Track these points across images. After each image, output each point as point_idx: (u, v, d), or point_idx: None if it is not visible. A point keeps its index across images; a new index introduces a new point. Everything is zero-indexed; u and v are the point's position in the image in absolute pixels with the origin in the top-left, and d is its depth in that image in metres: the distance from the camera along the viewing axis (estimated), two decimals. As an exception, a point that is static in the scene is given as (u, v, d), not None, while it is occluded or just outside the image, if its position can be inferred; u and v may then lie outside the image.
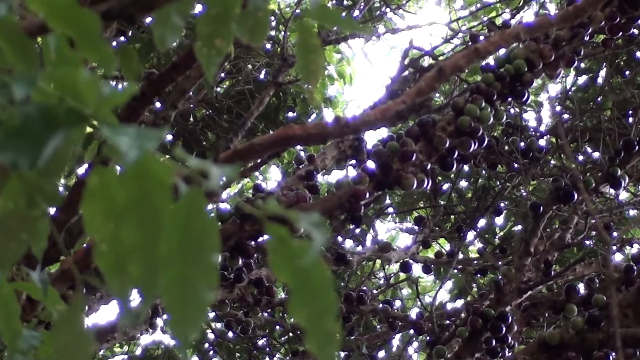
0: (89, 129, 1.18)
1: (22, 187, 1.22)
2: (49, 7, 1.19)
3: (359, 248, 6.09)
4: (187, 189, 1.07)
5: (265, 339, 6.50)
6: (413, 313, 5.69)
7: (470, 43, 5.39)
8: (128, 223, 1.09)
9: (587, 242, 5.89)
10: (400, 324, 5.52)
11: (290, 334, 6.28)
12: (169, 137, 6.64)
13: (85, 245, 3.29)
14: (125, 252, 1.10)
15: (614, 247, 5.60)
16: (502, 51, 4.42)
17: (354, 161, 4.76)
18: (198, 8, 1.51)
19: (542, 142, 5.87)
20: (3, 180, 1.17)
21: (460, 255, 6.15)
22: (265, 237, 3.55)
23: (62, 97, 1.12)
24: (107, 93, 1.13)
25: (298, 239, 1.09)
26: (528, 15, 6.70)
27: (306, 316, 1.10)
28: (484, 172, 6.42)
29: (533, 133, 6.02)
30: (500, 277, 5.03)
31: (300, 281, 1.09)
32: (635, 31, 4.74)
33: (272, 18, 6.57)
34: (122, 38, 5.10)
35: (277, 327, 6.32)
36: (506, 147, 5.54)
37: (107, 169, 1.12)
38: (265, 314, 5.68)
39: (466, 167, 6.54)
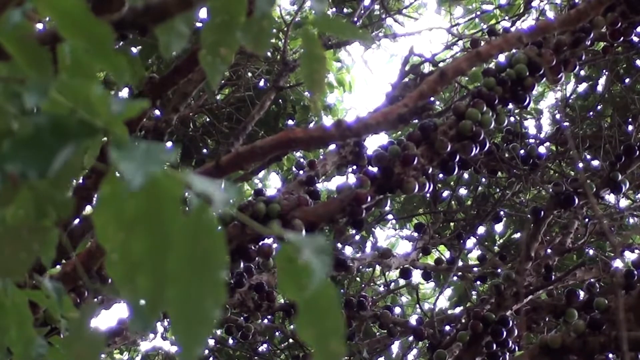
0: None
1: (33, 197, 1.22)
2: (61, 16, 1.18)
3: (359, 254, 6.09)
4: (196, 204, 1.07)
5: (265, 344, 6.50)
6: (413, 320, 5.69)
7: (470, 49, 5.39)
8: (137, 235, 1.09)
9: (588, 248, 5.89)
10: (400, 329, 5.52)
11: (291, 340, 6.28)
12: (169, 143, 6.64)
13: (86, 249, 3.29)
14: (134, 263, 1.10)
15: (614, 253, 5.61)
16: (502, 57, 4.43)
17: (354, 167, 4.77)
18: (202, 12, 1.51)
19: (542, 149, 5.88)
20: (15, 190, 1.17)
21: (460, 263, 6.15)
22: (267, 240, 3.54)
23: (73, 108, 1.12)
24: (119, 106, 1.12)
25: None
26: (528, 23, 6.71)
27: (313, 335, 1.10)
28: (483, 179, 6.43)
29: (533, 140, 6.03)
30: (500, 282, 5.03)
31: (308, 300, 1.09)
32: (636, 38, 4.75)
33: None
34: (122, 42, 5.11)
35: (277, 333, 6.32)
36: (506, 154, 5.55)
37: (119, 180, 1.12)
38: (266, 320, 5.67)
39: (466, 175, 6.55)
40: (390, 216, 6.97)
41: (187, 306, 1.06)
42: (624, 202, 6.16)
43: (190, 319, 1.06)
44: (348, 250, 6.39)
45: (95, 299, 3.96)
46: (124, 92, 5.34)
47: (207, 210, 1.07)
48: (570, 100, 6.49)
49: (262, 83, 6.92)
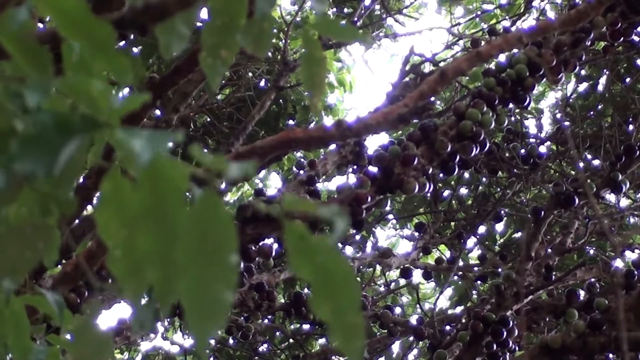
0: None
1: (37, 195, 1.22)
2: (62, 16, 1.18)
3: (359, 254, 6.09)
4: (201, 192, 1.07)
5: (265, 344, 6.50)
6: (413, 319, 5.69)
7: (471, 48, 5.39)
8: (143, 230, 1.09)
9: (588, 247, 5.89)
10: (400, 329, 5.52)
11: (291, 340, 6.28)
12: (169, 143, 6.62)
13: (86, 248, 3.29)
14: (140, 258, 1.10)
15: (614, 253, 5.61)
16: (503, 57, 4.43)
17: (355, 166, 4.77)
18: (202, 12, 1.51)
19: (542, 148, 5.88)
20: (18, 187, 1.17)
21: (461, 262, 6.15)
22: (269, 240, 3.53)
23: (74, 104, 1.12)
24: (119, 100, 1.12)
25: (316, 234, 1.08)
26: (528, 23, 6.71)
27: (329, 311, 1.09)
28: (484, 179, 6.43)
29: (533, 140, 6.03)
30: (501, 282, 5.03)
31: (322, 276, 1.09)
32: (636, 38, 4.75)
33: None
34: (122, 42, 5.11)
35: (278, 333, 6.32)
36: (507, 154, 5.54)
37: (121, 176, 1.12)
38: (266, 320, 5.67)
39: (467, 174, 6.55)
40: (390, 216, 6.97)
41: (200, 294, 1.06)
42: (624, 202, 6.16)
43: (203, 306, 1.06)
44: (348, 250, 6.39)
45: (95, 299, 3.96)
46: (124, 92, 5.34)
47: (212, 197, 1.07)
48: (570, 100, 6.49)
49: (262, 83, 6.92)
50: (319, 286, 1.09)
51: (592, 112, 6.39)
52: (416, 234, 6.22)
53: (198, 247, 1.06)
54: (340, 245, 5.95)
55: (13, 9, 1.21)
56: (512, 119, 6.12)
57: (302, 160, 5.11)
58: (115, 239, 1.12)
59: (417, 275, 6.14)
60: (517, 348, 4.79)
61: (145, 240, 1.09)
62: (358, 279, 6.55)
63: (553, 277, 5.16)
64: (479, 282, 6.09)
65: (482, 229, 6.64)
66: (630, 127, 5.97)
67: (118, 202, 1.12)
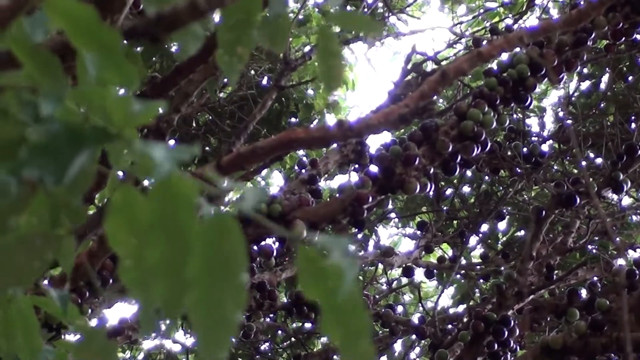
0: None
1: (47, 205, 1.22)
2: (71, 25, 1.18)
3: (361, 253, 6.09)
4: (213, 209, 1.06)
5: (267, 343, 6.50)
6: (415, 318, 5.69)
7: (473, 47, 5.39)
8: (153, 242, 1.09)
9: (590, 247, 5.89)
10: (402, 328, 5.52)
11: (293, 339, 6.28)
12: (172, 142, 6.63)
13: (87, 249, 3.29)
14: (150, 269, 1.09)
15: (616, 252, 5.60)
16: (505, 56, 4.42)
17: (357, 165, 4.77)
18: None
19: (544, 147, 5.87)
20: (31, 196, 1.17)
21: (463, 261, 6.15)
22: (269, 241, 3.52)
23: (87, 115, 1.11)
24: (134, 111, 1.12)
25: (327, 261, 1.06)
26: (531, 21, 6.71)
27: (340, 336, 1.08)
28: (486, 177, 6.42)
29: (536, 138, 6.02)
30: (502, 281, 5.02)
31: (331, 301, 1.08)
32: (638, 37, 4.74)
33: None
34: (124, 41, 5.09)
35: (280, 332, 6.32)
36: (509, 152, 5.54)
37: (131, 187, 1.12)
38: (268, 319, 5.68)
39: (469, 173, 6.54)
40: (393, 214, 6.97)
41: (208, 311, 1.06)
42: (626, 200, 6.16)
43: (212, 324, 1.06)
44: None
45: (97, 299, 3.96)
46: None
47: (224, 214, 1.06)
48: (573, 98, 6.49)
49: (264, 81, 6.92)
50: (329, 310, 1.08)
51: (594, 111, 6.39)
52: (418, 232, 6.22)
53: (208, 262, 1.06)
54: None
55: (25, 18, 1.21)
56: (515, 117, 6.11)
57: (304, 159, 5.11)
58: (125, 248, 1.12)
59: (419, 274, 6.14)
60: (518, 348, 4.79)
61: (155, 251, 1.09)
62: (360, 277, 6.56)
63: (554, 276, 5.16)
64: (481, 280, 6.08)
65: (484, 228, 6.64)
66: (633, 125, 5.96)
67: (128, 213, 1.12)
